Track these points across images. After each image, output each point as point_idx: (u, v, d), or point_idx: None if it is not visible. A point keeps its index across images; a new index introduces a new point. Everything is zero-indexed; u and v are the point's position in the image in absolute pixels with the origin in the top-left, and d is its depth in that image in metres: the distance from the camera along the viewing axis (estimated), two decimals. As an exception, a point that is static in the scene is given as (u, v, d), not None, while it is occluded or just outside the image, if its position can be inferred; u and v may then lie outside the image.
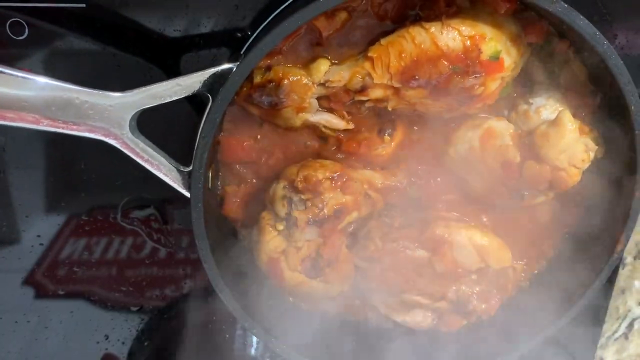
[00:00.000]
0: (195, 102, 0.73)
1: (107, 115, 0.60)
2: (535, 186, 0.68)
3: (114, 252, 0.84)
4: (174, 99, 0.62)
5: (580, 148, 0.65)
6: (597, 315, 0.90)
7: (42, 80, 0.59)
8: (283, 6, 0.70)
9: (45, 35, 0.71)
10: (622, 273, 0.90)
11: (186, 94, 0.62)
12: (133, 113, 0.61)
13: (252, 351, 0.90)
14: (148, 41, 0.73)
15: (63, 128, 0.60)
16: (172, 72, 0.74)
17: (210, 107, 0.61)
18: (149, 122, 0.65)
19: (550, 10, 0.58)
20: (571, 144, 0.65)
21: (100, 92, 0.60)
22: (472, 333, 0.77)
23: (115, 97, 0.60)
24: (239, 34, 0.73)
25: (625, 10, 0.73)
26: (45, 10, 0.70)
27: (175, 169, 0.65)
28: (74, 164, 0.78)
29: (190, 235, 0.82)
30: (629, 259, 0.89)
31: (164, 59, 0.73)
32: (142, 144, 0.63)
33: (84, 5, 0.69)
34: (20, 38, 0.70)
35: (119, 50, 0.73)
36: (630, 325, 0.93)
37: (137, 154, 0.63)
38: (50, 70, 0.73)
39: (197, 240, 0.65)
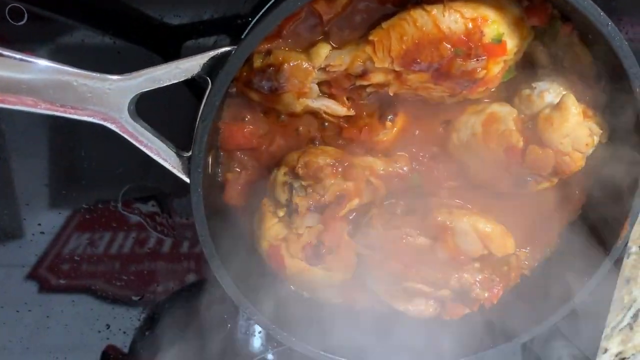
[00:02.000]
0: (194, 87, 0.72)
1: (105, 98, 0.60)
2: (538, 171, 0.67)
3: (116, 242, 0.84)
4: (173, 82, 0.62)
5: (584, 132, 0.65)
6: (602, 306, 0.90)
7: (40, 62, 0.58)
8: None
9: (45, 21, 0.71)
10: (627, 263, 0.89)
11: (185, 77, 0.62)
12: (132, 96, 0.61)
13: (255, 340, 0.89)
14: (148, 28, 0.73)
15: (61, 112, 0.59)
16: (173, 59, 0.73)
17: (210, 90, 0.61)
18: (148, 108, 0.65)
19: (553, -10, 0.58)
20: (575, 128, 0.64)
21: (99, 74, 0.60)
22: (475, 321, 0.77)
23: (113, 80, 0.60)
24: (240, 21, 0.73)
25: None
26: (45, -5, 0.70)
27: (174, 154, 0.64)
28: (74, 152, 0.78)
29: (191, 227, 0.82)
30: (634, 248, 0.88)
31: (164, 46, 0.73)
32: (141, 129, 0.62)
33: (83, -10, 0.69)
34: (20, 24, 0.70)
35: (119, 37, 0.73)
36: (635, 316, 0.92)
37: (136, 139, 0.62)
38: (49, 57, 0.71)
39: (197, 225, 0.65)
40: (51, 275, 0.84)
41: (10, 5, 0.69)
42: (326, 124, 0.71)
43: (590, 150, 0.66)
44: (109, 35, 0.72)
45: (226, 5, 0.72)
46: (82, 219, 0.81)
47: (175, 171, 0.65)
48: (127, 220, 0.82)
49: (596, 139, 0.66)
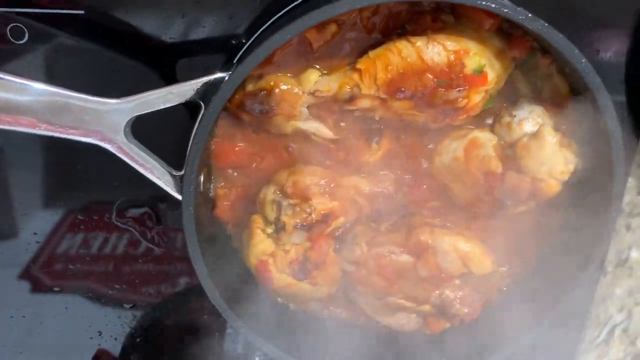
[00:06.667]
0: (190, 105, 0.75)
1: (102, 120, 0.62)
2: (516, 196, 0.70)
3: (107, 251, 0.86)
4: (168, 106, 0.64)
5: (560, 161, 0.67)
6: (578, 321, 0.92)
7: (39, 86, 0.61)
8: (275, 17, 0.72)
9: (45, 39, 0.73)
10: (604, 281, 0.91)
11: (179, 102, 0.64)
12: (128, 119, 0.63)
13: (242, 349, 0.91)
14: (145, 46, 0.75)
15: (60, 132, 0.62)
16: (169, 76, 0.76)
17: (203, 115, 0.63)
18: (144, 126, 0.67)
19: (530, 28, 0.60)
20: (551, 156, 0.67)
21: (96, 98, 0.62)
22: (454, 335, 0.79)
23: (110, 103, 0.62)
24: (234, 41, 0.75)
25: (605, 20, 0.75)
26: (45, 16, 0.72)
27: (168, 173, 0.67)
28: (71, 165, 0.80)
29: (184, 239, 0.84)
30: (610, 267, 0.91)
31: (161, 64, 0.75)
32: (136, 149, 0.65)
33: (82, 11, 0.71)
34: (21, 42, 0.72)
35: (117, 54, 0.75)
36: (611, 332, 0.95)
37: (132, 158, 0.65)
38: (50, 74, 0.75)
39: (187, 242, 0.67)
40: (45, 282, 0.86)
41: (11, 25, 0.71)
42: (315, 144, 0.74)
43: (566, 178, 0.69)
44: (107, 52, 0.75)
45: (221, 27, 0.74)
46: (78, 229, 0.84)
47: (168, 189, 0.67)
48: (120, 231, 0.84)
49: (572, 166, 0.69)
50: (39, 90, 0.60)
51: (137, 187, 0.81)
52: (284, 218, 0.71)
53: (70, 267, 0.86)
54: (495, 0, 0.60)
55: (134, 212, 0.84)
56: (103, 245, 0.85)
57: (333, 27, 0.66)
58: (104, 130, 0.62)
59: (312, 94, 0.68)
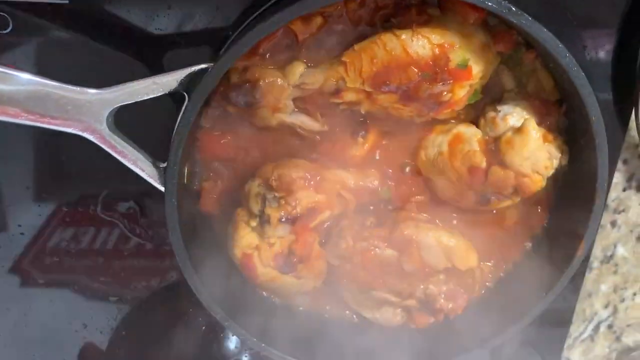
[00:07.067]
0: (175, 96, 0.75)
1: (85, 110, 0.62)
2: (500, 191, 0.70)
3: (94, 244, 0.85)
4: (151, 96, 0.64)
5: (544, 155, 0.68)
6: (565, 317, 0.93)
7: (22, 75, 0.60)
8: (264, 7, 0.72)
9: (30, 28, 0.73)
10: (589, 277, 0.92)
11: (163, 92, 0.64)
12: (110, 109, 0.63)
13: (230, 343, 0.91)
14: (131, 37, 0.74)
15: (42, 122, 0.61)
16: (155, 67, 0.75)
17: (186, 106, 0.63)
18: (129, 117, 0.67)
19: (515, 22, 0.60)
20: (535, 151, 0.67)
21: (78, 88, 0.62)
22: (440, 330, 0.79)
23: (92, 93, 0.62)
24: (222, 33, 0.74)
25: (592, 18, 0.75)
26: (30, 5, 0.71)
27: (151, 165, 0.66)
28: (55, 157, 0.79)
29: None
30: (595, 263, 0.91)
31: (147, 56, 0.75)
32: (119, 140, 0.64)
33: (67, 1, 0.71)
34: (5, 32, 0.72)
35: (103, 44, 0.75)
36: (597, 328, 0.96)
37: (114, 149, 0.64)
38: (35, 64, 0.74)
39: (170, 235, 0.67)
40: (29, 273, 0.86)
41: (-5, 14, 0.71)
42: (301, 137, 0.74)
43: (550, 172, 0.69)
44: (93, 42, 0.74)
45: (207, 18, 0.74)
46: (63, 222, 0.83)
47: (151, 181, 0.67)
48: (105, 223, 0.84)
49: (556, 162, 0.69)
50: (21, 79, 0.60)
51: (123, 179, 0.81)
52: (268, 211, 0.70)
53: (56, 259, 0.85)
54: (480, -7, 0.60)
55: (120, 205, 0.83)
56: (89, 238, 0.85)
57: (319, 20, 0.66)
58: (86, 120, 0.62)
59: (298, 86, 0.68)
